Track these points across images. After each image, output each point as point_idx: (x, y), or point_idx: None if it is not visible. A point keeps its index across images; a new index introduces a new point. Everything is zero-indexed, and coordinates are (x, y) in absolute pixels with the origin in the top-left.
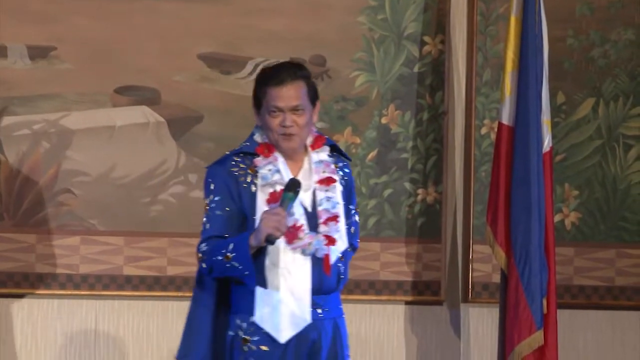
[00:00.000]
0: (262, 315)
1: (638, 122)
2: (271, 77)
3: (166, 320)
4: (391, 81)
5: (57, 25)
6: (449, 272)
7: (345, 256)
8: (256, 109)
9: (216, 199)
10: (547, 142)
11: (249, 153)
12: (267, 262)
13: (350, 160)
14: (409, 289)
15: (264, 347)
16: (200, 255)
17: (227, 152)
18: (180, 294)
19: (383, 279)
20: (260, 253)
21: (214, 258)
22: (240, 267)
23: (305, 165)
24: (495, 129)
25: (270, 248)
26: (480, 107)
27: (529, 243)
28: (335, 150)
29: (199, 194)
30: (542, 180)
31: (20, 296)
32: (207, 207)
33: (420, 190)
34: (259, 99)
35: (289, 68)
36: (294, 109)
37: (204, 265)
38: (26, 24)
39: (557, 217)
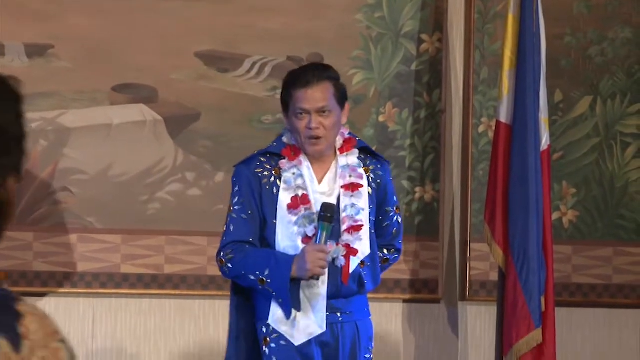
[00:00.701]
0: (276, 319)
1: (635, 120)
2: (297, 79)
3: (163, 318)
4: (389, 79)
5: (54, 24)
6: (447, 270)
7: (390, 260)
8: (285, 113)
9: (240, 201)
10: (544, 140)
11: (275, 154)
12: None
13: (387, 161)
14: (407, 287)
15: (283, 342)
16: (223, 261)
17: (255, 152)
18: (177, 292)
19: (381, 276)
20: (294, 280)
21: (243, 273)
22: (274, 294)
23: (333, 169)
24: (493, 127)
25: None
26: (478, 105)
27: (527, 241)
28: (369, 152)
29: (197, 192)
30: (539, 179)
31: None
32: (231, 209)
33: (418, 189)
34: (286, 102)
35: (315, 69)
36: (320, 111)
37: (226, 271)
38: (24, 22)
39: (555, 215)
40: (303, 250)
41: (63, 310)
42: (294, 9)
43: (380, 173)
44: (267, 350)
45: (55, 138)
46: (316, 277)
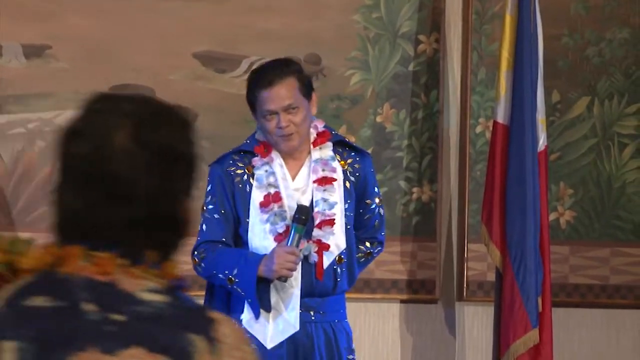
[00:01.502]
0: (249, 320)
1: (633, 120)
2: (259, 79)
3: None
4: (386, 80)
5: (52, 24)
6: (444, 270)
7: (373, 254)
8: (252, 113)
9: (213, 200)
10: (542, 141)
11: (248, 152)
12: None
13: (367, 153)
14: (404, 287)
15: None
16: (196, 260)
17: (229, 150)
18: None
19: (378, 277)
20: (264, 280)
21: (214, 272)
22: (242, 294)
23: (306, 164)
24: (491, 128)
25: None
26: (475, 106)
27: (524, 242)
28: (347, 145)
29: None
30: (537, 179)
31: None
32: (204, 208)
33: (415, 189)
34: (252, 103)
35: (276, 67)
36: (288, 109)
37: (200, 271)
38: (21, 22)
39: (552, 216)
40: (272, 250)
41: None
42: (291, 10)
43: (358, 166)
44: None
45: (53, 139)
46: (283, 279)
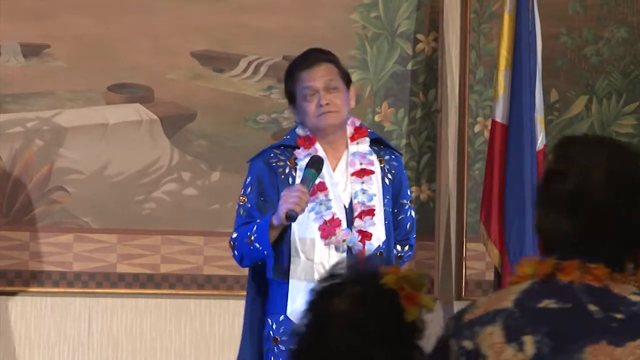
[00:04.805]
0: (293, 310)
1: (631, 119)
2: (299, 63)
3: (159, 317)
4: (384, 79)
5: (50, 23)
6: (443, 269)
7: (404, 258)
8: (292, 105)
9: (252, 190)
10: (540, 140)
11: (289, 146)
12: (302, 256)
13: (400, 153)
14: None
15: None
16: (231, 243)
17: (267, 146)
18: (173, 291)
19: None
20: (282, 239)
21: (242, 242)
22: (260, 248)
23: (344, 158)
24: (489, 127)
25: (305, 243)
26: (474, 105)
27: (523, 240)
28: (382, 143)
29: (192, 191)
30: (535, 178)
31: (14, 294)
32: (243, 198)
33: (413, 188)
34: (291, 92)
35: (317, 52)
36: (328, 87)
37: (235, 253)
38: (19, 21)
39: None
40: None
41: (59, 310)
42: (290, 8)
43: (395, 164)
44: (275, 350)
45: (51, 138)
46: (292, 216)
